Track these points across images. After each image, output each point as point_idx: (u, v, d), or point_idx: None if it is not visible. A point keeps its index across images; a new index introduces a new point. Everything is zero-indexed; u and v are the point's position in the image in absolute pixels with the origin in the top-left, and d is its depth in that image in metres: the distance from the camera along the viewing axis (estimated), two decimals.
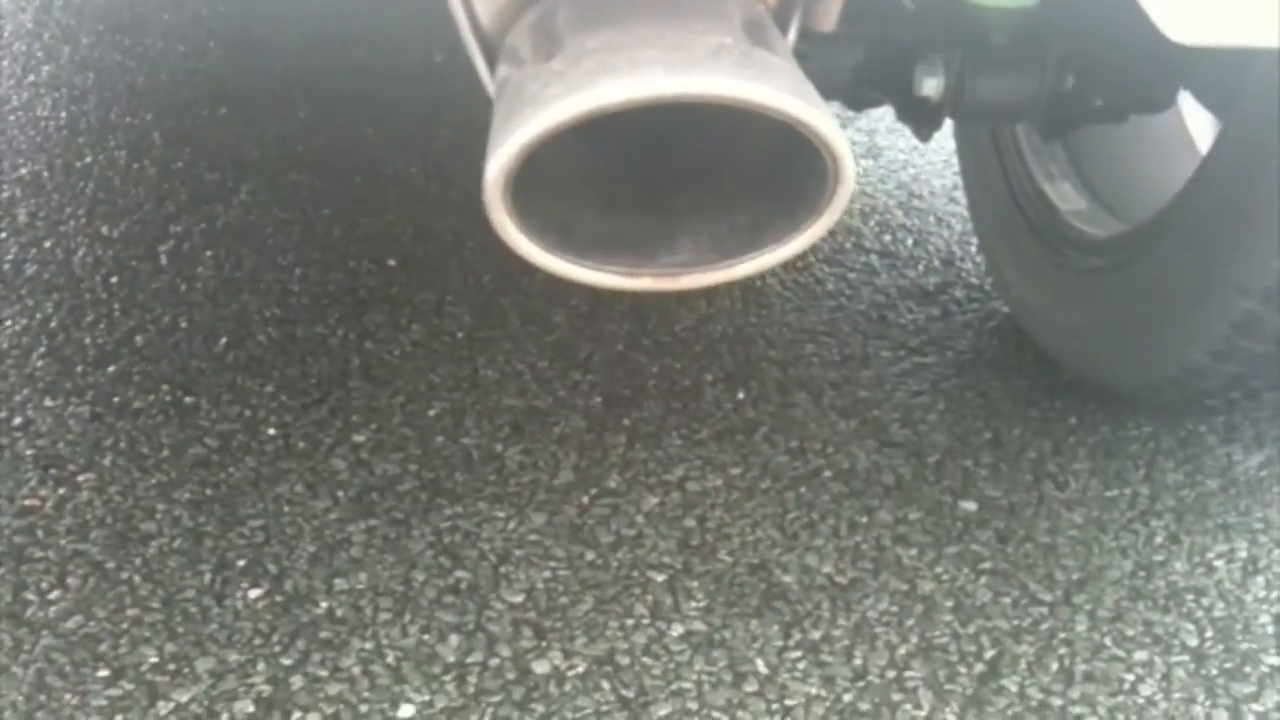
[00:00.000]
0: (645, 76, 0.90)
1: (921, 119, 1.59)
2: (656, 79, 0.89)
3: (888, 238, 2.12)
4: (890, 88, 1.58)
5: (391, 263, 1.97)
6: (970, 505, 1.54)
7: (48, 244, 1.98)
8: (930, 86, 1.52)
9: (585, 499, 1.53)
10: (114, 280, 1.89)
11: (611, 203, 1.07)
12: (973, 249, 2.06)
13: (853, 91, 1.59)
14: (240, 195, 2.12)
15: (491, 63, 1.15)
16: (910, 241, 2.11)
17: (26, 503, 1.49)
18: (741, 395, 1.72)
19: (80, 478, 1.53)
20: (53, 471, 1.54)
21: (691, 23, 0.98)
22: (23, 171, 2.18)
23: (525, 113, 0.92)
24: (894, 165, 2.35)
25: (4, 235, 2.00)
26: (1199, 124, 1.72)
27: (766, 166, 1.02)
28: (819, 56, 1.41)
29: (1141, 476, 1.60)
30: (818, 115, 0.91)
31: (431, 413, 1.67)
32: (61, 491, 1.51)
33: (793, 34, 1.16)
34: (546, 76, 0.94)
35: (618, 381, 1.74)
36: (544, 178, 0.99)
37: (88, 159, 2.22)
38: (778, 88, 0.90)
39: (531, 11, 1.09)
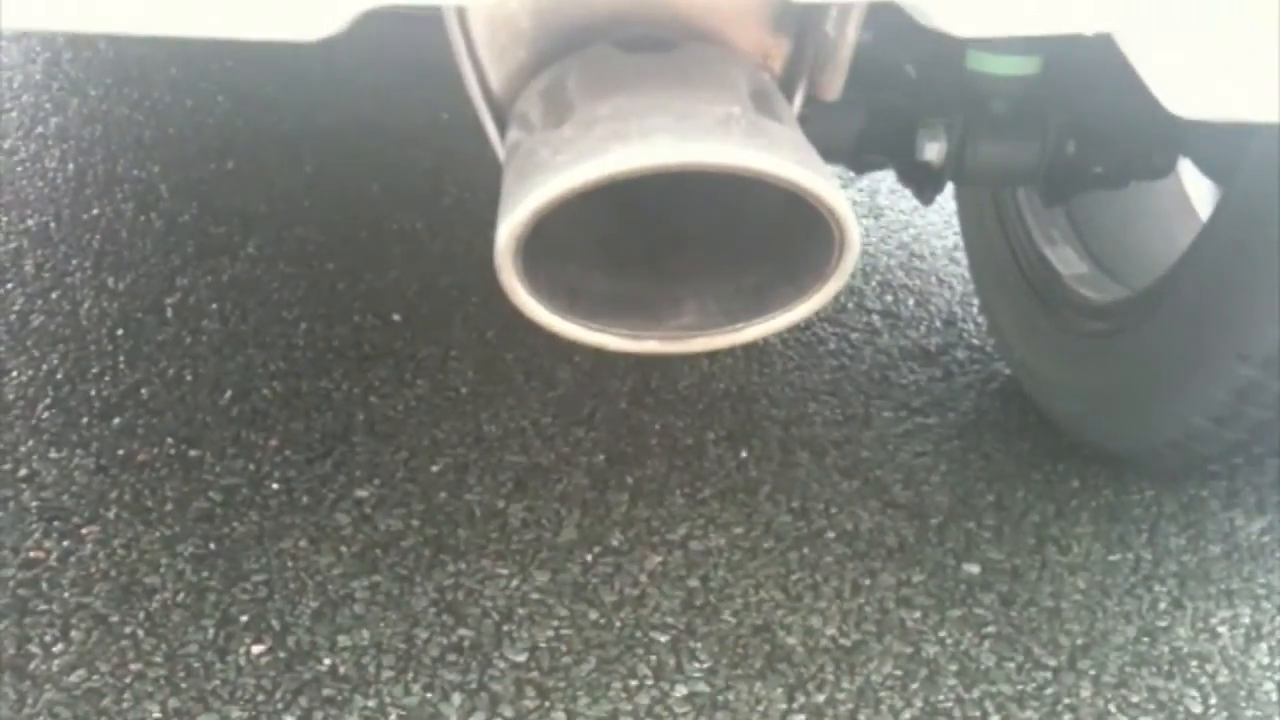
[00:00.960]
0: (655, 145, 0.91)
1: (923, 183, 1.60)
2: (666, 147, 0.91)
3: (889, 298, 2.13)
4: (892, 152, 1.59)
5: (396, 317, 1.98)
6: (974, 568, 1.54)
7: (54, 295, 1.99)
8: (932, 151, 1.54)
9: (588, 557, 1.53)
10: (120, 333, 1.90)
11: (619, 264, 1.08)
12: (974, 310, 2.07)
13: (855, 155, 1.61)
14: (247, 249, 2.13)
15: (501, 126, 1.17)
16: (912, 302, 2.12)
17: (31, 555, 1.49)
18: (744, 454, 1.73)
19: (84, 530, 1.53)
20: (57, 524, 1.54)
21: (700, 91, 0.99)
22: (30, 223, 2.19)
23: (537, 178, 0.93)
24: (895, 226, 2.36)
25: (11, 286, 2.01)
26: (1200, 190, 1.73)
27: (773, 231, 1.03)
28: (822, 121, 1.43)
29: (1144, 541, 1.61)
30: (824, 185, 0.92)
31: (435, 468, 1.67)
32: (66, 544, 1.51)
33: (798, 102, 1.18)
34: (558, 143, 0.96)
35: (621, 438, 1.74)
36: (552, 239, 1.00)
37: (95, 211, 2.24)
38: (785, 158, 0.91)
39: (542, 77, 1.11)
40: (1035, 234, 1.85)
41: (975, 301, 2.06)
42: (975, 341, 2.02)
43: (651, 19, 1.12)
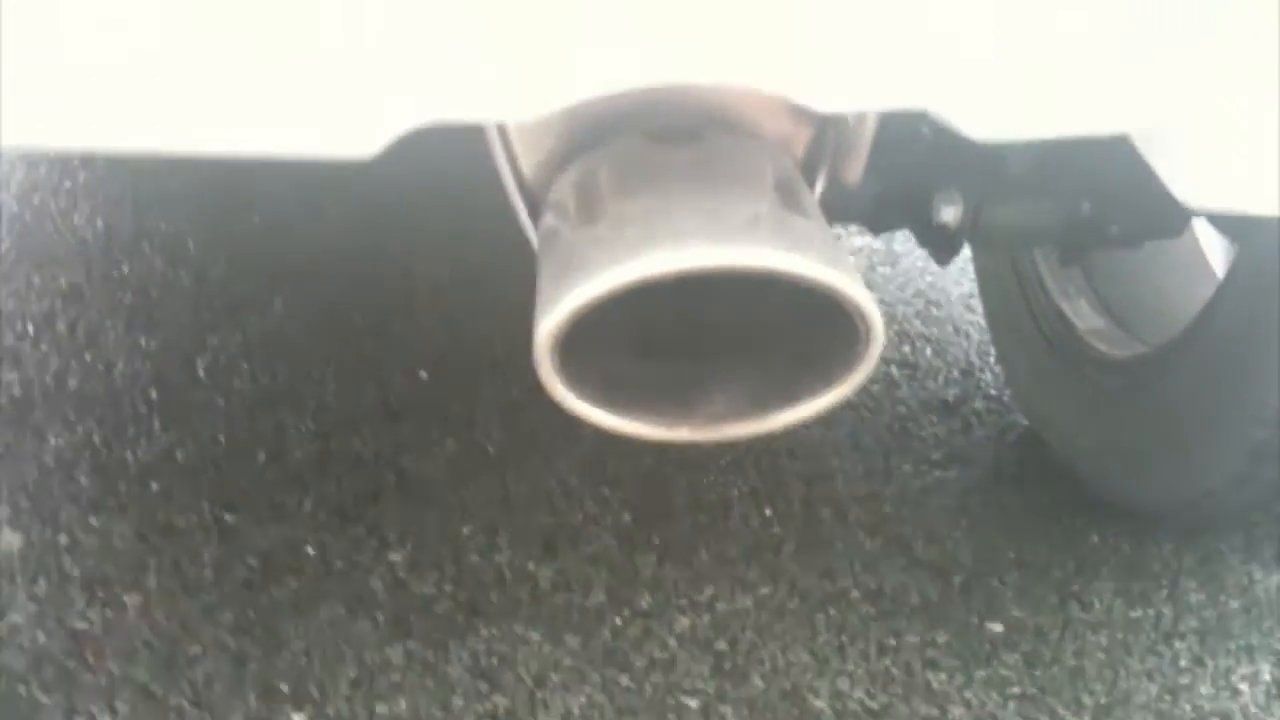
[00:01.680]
0: (687, 248, 0.94)
1: (940, 245, 1.63)
2: (698, 251, 0.94)
3: (907, 348, 2.16)
4: (909, 215, 1.62)
5: (423, 374, 2.02)
6: (997, 627, 1.57)
7: (88, 356, 2.03)
8: (948, 214, 1.56)
9: (618, 620, 1.56)
10: (153, 394, 1.94)
11: (650, 351, 1.11)
12: (991, 359, 2.10)
13: (873, 216, 1.64)
14: (274, 305, 2.17)
15: (533, 210, 1.20)
16: (929, 351, 2.15)
17: (76, 625, 1.52)
18: (769, 511, 1.75)
19: (126, 599, 1.56)
20: (100, 593, 1.57)
21: (727, 188, 1.02)
22: (63, 281, 2.23)
23: (573, 278, 0.96)
24: (912, 273, 2.39)
25: (46, 348, 2.05)
26: (1215, 247, 1.75)
27: (800, 321, 1.06)
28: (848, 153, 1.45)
29: (1165, 596, 1.63)
30: (848, 283, 0.95)
31: (465, 530, 1.70)
32: (108, 613, 1.54)
33: (820, 186, 1.21)
34: (592, 243, 0.99)
35: (647, 497, 1.77)
36: (585, 329, 1.04)
37: (125, 269, 2.28)
38: (812, 258, 0.94)
39: (574, 167, 1.14)
40: (1051, 288, 1.88)
41: (992, 350, 2.08)
42: (993, 392, 2.04)
43: (679, 108, 1.15)
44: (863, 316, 0.98)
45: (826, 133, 1.19)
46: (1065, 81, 0.88)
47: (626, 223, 0.99)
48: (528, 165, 1.19)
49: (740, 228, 0.97)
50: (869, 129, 1.15)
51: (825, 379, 1.05)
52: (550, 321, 0.96)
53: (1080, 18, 0.86)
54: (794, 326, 1.07)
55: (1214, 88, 0.91)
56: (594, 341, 1.06)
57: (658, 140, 1.11)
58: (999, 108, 0.89)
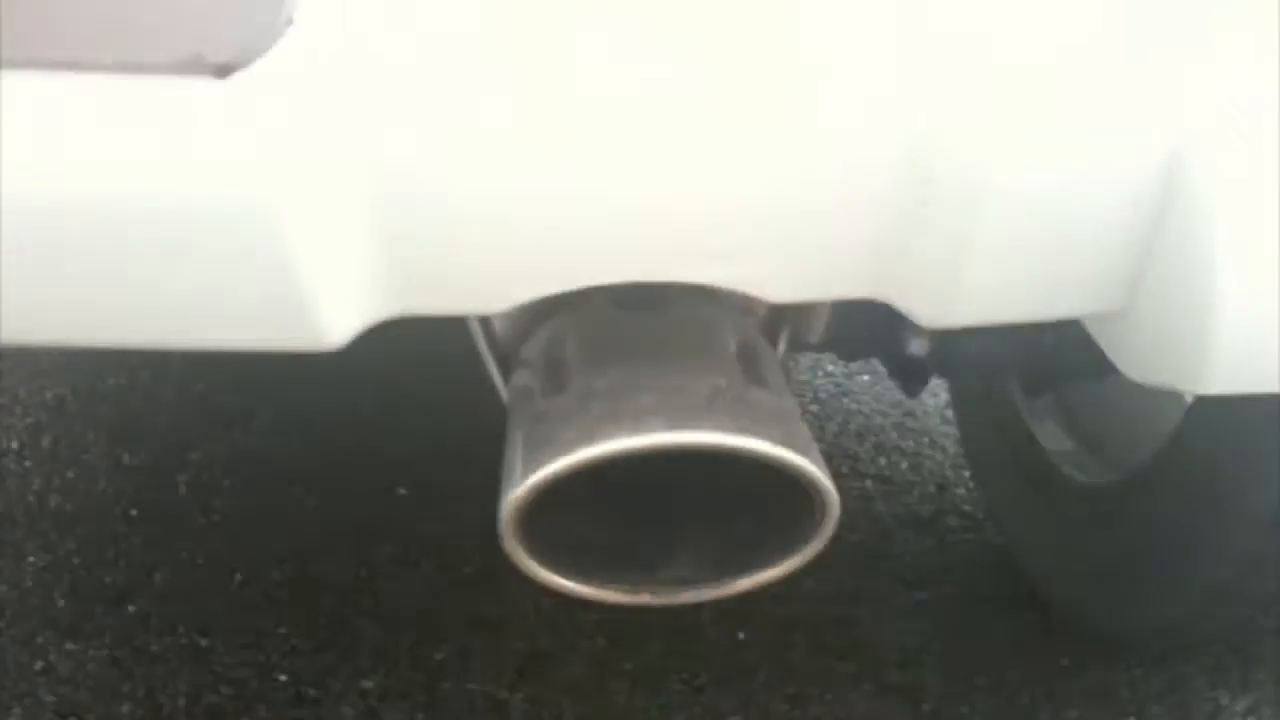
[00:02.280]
0: (647, 428, 0.97)
1: (909, 375, 1.66)
2: (657, 432, 0.97)
3: (883, 460, 2.18)
4: (878, 346, 1.65)
5: (401, 491, 2.04)
6: None
7: (70, 474, 2.05)
8: (915, 346, 1.59)
9: None
10: (134, 512, 1.96)
11: (613, 513, 1.14)
12: (966, 474, 2.12)
13: (841, 348, 1.67)
14: (257, 420, 2.19)
15: (504, 366, 1.23)
16: (905, 465, 2.17)
17: None
18: (741, 635, 1.77)
19: None
20: None
21: (689, 362, 1.06)
22: (47, 395, 2.26)
23: (538, 456, 0.99)
24: (889, 382, 2.40)
25: (30, 464, 2.07)
26: None
27: (761, 490, 1.09)
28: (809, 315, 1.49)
29: None
30: (803, 463, 0.98)
31: (439, 656, 1.71)
32: None
33: (782, 346, 1.24)
34: (557, 418, 1.02)
35: (621, 620, 1.78)
36: (550, 496, 1.06)
37: (109, 381, 2.30)
38: (768, 439, 0.97)
39: (544, 328, 1.18)
40: (1022, 410, 1.91)
41: (967, 464, 2.11)
42: (967, 508, 2.07)
43: None
44: (818, 492, 1.01)
45: None
46: (1006, 278, 0.91)
47: (591, 398, 1.02)
48: (499, 325, 1.22)
49: (698, 407, 1.00)
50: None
51: (784, 546, 1.07)
52: (515, 496, 0.99)
53: (1026, 212, 0.89)
54: (754, 495, 1.09)
55: (1156, 278, 0.94)
56: (559, 506, 1.08)
57: (623, 306, 1.14)
58: (945, 299, 0.93)
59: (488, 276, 0.88)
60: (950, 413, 2.26)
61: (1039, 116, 0.82)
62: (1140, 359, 1.01)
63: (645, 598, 1.10)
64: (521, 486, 0.99)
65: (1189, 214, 0.87)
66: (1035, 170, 0.82)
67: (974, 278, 0.88)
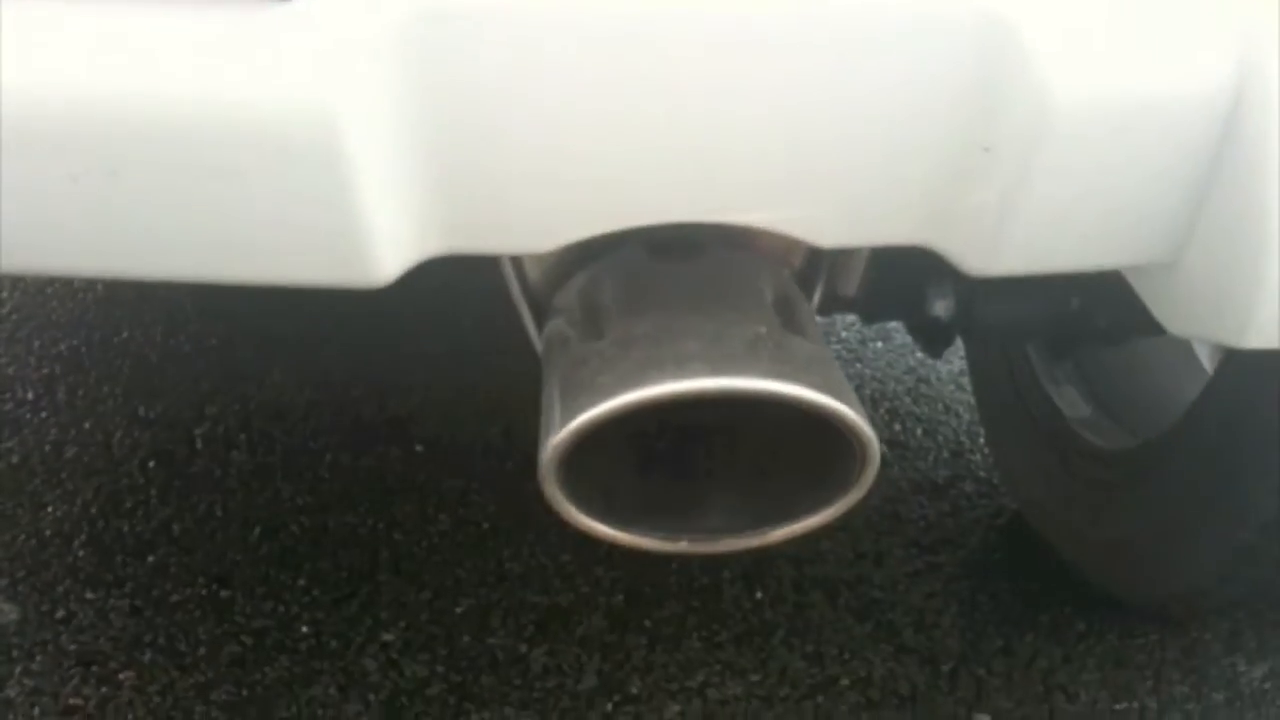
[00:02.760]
0: (690, 374, 0.97)
1: (932, 337, 1.65)
2: (700, 378, 0.97)
3: (898, 426, 2.19)
4: (902, 307, 1.65)
5: (419, 448, 2.04)
6: (984, 718, 1.59)
7: (87, 425, 2.04)
8: (940, 307, 1.59)
9: (609, 706, 1.58)
10: (151, 465, 1.96)
11: (650, 463, 1.14)
12: (981, 440, 2.13)
13: (866, 308, 1.66)
14: (273, 375, 2.19)
15: (538, 316, 1.23)
16: (920, 431, 2.17)
17: (70, 702, 1.54)
18: (759, 594, 1.77)
19: (121, 675, 1.58)
20: (94, 669, 1.58)
21: (728, 308, 1.05)
22: (62, 347, 2.25)
23: (579, 401, 0.99)
24: (903, 349, 2.42)
25: (45, 415, 2.06)
26: (1205, 346, 1.78)
27: (798, 438, 1.09)
28: (845, 267, 1.48)
29: (1149, 688, 1.65)
30: (845, 410, 0.98)
31: (459, 610, 1.72)
32: (103, 690, 1.55)
33: (817, 298, 1.24)
34: (597, 363, 1.02)
35: (639, 578, 1.79)
36: (589, 443, 1.06)
37: (125, 334, 2.30)
38: (810, 385, 0.97)
39: (579, 277, 1.17)
40: (1041, 376, 1.91)
41: (981, 431, 2.11)
42: (982, 474, 2.07)
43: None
44: (858, 440, 1.01)
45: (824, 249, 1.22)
46: (1059, 223, 0.91)
47: (631, 343, 1.02)
48: (533, 272, 1.22)
49: (740, 353, 0.99)
50: (864, 248, 1.18)
51: (821, 496, 1.07)
52: (556, 441, 0.99)
53: (1077, 162, 0.89)
54: (792, 443, 1.09)
55: (1207, 228, 0.94)
56: (597, 453, 1.08)
57: (660, 253, 1.13)
58: (995, 246, 0.92)
59: (537, 215, 0.87)
60: (964, 380, 2.26)
61: (1106, 31, 0.81)
62: (1183, 312, 1.01)
63: (682, 545, 1.10)
64: (564, 430, 0.99)
65: (1245, 163, 0.87)
66: (1101, 90, 0.81)
67: (1027, 222, 0.88)
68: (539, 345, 1.20)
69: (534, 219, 0.87)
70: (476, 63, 0.78)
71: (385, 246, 0.86)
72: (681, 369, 0.98)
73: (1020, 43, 0.80)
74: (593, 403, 0.98)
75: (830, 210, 0.89)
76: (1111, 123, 0.83)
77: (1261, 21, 0.84)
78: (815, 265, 1.23)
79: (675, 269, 1.12)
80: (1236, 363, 1.53)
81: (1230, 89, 0.84)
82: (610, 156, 0.84)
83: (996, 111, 0.82)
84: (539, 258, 1.21)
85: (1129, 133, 0.84)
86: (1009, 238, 0.90)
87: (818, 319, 2.45)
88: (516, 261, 1.22)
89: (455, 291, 2.39)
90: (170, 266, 0.86)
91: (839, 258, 1.24)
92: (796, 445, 1.09)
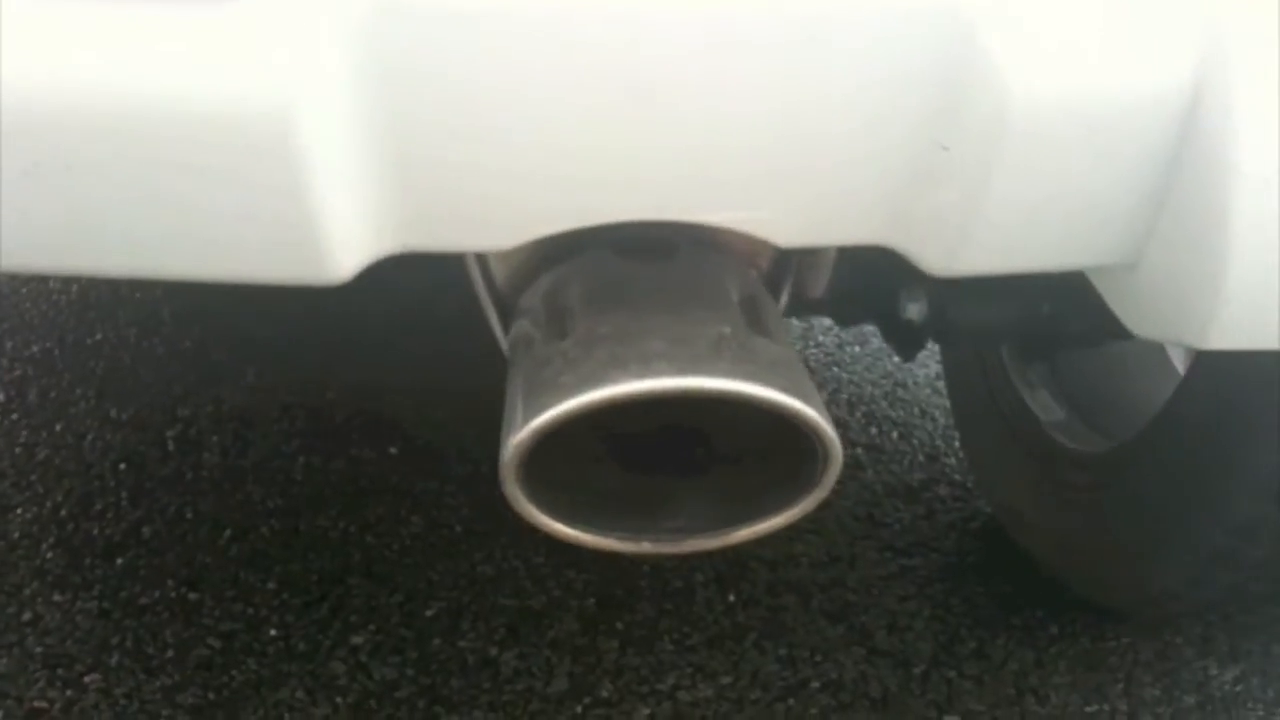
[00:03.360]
0: (652, 374, 0.96)
1: (905, 340, 1.65)
2: (662, 377, 0.96)
3: (874, 430, 2.18)
4: (875, 310, 1.65)
5: (393, 450, 2.03)
6: None
7: (58, 427, 2.03)
8: (913, 310, 1.59)
9: (579, 708, 1.57)
10: (122, 467, 1.95)
11: (615, 461, 1.13)
12: (956, 443, 2.13)
13: (838, 311, 1.66)
14: (247, 377, 2.18)
15: (504, 316, 1.22)
16: (895, 434, 2.17)
17: (35, 704, 1.52)
18: (732, 597, 1.77)
19: (87, 679, 1.56)
20: (60, 671, 1.57)
21: (693, 308, 1.05)
22: (34, 349, 2.24)
23: (541, 400, 0.98)
24: (880, 353, 2.42)
25: (16, 417, 2.05)
26: (1178, 349, 1.78)
27: (761, 438, 1.08)
28: (812, 268, 1.48)
29: (1120, 691, 1.65)
30: (807, 411, 0.98)
31: (429, 612, 1.71)
32: (69, 693, 1.54)
33: (784, 299, 1.24)
34: (560, 362, 1.01)
35: (611, 581, 1.78)
36: (552, 441, 1.05)
37: (98, 336, 2.29)
38: (773, 386, 0.97)
39: (545, 278, 1.17)
40: (1015, 379, 1.91)
41: (956, 435, 2.11)
42: (957, 477, 2.07)
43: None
44: (821, 440, 1.00)
45: (791, 250, 1.21)
46: (1019, 223, 0.91)
47: (595, 343, 1.01)
48: (500, 273, 1.21)
49: (704, 353, 0.99)
50: (831, 249, 1.17)
51: (785, 497, 1.07)
52: (517, 440, 0.98)
53: (1035, 162, 0.88)
54: (756, 443, 1.09)
55: (1167, 229, 0.94)
56: (561, 453, 1.07)
57: (626, 254, 1.13)
58: (956, 246, 0.92)
59: (497, 212, 0.87)
60: (940, 384, 2.26)
61: (1065, 30, 0.81)
62: (1146, 313, 1.01)
63: (645, 546, 1.09)
64: (524, 430, 0.98)
65: (1204, 163, 0.87)
66: (1058, 90, 0.81)
67: (987, 222, 0.88)
68: (505, 346, 1.20)
69: (491, 216, 0.86)
70: (432, 59, 0.78)
71: (342, 243, 0.85)
72: (645, 368, 0.97)
73: (978, 42, 0.79)
74: (554, 402, 0.97)
75: (791, 210, 0.89)
76: (1070, 123, 0.83)
77: (1219, 21, 0.84)
78: (783, 266, 1.23)
79: (641, 269, 1.12)
80: (1206, 365, 1.53)
81: (1188, 89, 0.84)
82: (569, 154, 0.83)
83: (955, 111, 0.81)
84: (505, 259, 1.20)
85: (1087, 132, 0.83)
86: (970, 238, 0.89)
87: (792, 322, 2.46)
88: (483, 263, 1.22)
89: (429, 293, 2.39)
90: (125, 263, 0.85)
91: (806, 259, 1.24)
92: (761, 446, 1.09)
